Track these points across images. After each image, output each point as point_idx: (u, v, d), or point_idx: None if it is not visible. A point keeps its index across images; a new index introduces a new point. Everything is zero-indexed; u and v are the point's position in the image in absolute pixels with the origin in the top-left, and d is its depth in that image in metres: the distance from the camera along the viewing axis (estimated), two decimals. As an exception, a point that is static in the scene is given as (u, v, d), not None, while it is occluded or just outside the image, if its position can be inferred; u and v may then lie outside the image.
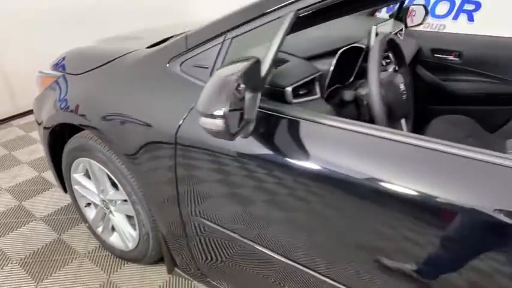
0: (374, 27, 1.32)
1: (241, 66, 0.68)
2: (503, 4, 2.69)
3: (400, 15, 2.09)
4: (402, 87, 1.11)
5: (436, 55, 1.99)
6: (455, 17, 2.97)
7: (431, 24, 3.04)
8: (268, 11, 0.84)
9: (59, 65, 1.49)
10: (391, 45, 1.25)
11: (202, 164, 0.95)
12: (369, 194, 0.71)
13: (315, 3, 0.78)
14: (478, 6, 2.87)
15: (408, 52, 1.73)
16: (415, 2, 2.27)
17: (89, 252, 1.60)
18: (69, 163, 1.48)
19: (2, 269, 1.52)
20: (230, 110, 0.64)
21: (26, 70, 2.58)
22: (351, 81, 1.32)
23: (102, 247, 1.62)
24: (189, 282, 1.48)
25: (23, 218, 1.82)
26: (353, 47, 1.23)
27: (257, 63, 0.74)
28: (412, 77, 1.76)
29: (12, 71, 2.85)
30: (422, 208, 0.66)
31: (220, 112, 0.63)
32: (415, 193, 0.66)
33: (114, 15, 3.29)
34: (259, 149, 0.83)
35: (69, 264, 1.54)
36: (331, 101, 1.15)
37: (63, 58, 1.50)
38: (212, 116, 0.64)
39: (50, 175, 2.11)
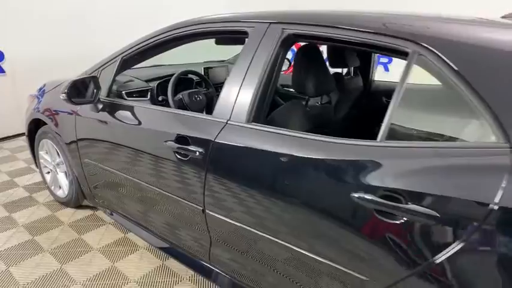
0: (202, 68, 2.40)
1: (80, 78, 1.74)
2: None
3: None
4: (200, 97, 2.12)
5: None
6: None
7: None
8: (113, 56, 1.91)
9: (41, 90, 2.61)
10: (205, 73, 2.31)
11: (87, 126, 1.97)
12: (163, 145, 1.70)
13: (130, 53, 1.84)
14: (390, 60, 3.90)
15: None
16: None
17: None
18: (37, 144, 2.54)
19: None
20: (69, 95, 1.69)
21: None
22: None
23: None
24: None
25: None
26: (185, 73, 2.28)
27: (94, 77, 1.79)
28: None
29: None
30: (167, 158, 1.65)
31: (64, 95, 1.68)
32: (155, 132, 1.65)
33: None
34: (108, 116, 1.83)
35: None
36: (158, 102, 2.15)
37: (44, 85, 2.62)
38: (62, 94, 1.69)
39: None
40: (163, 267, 1.95)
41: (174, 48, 1.90)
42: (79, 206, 2.50)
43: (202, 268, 1.66)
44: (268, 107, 1.38)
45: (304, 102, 1.67)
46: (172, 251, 1.80)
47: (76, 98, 1.78)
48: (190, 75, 2.32)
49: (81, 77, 1.82)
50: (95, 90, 1.84)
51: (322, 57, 1.59)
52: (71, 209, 2.52)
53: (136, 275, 1.90)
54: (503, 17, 1.35)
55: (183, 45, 1.85)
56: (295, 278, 1.29)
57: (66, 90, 1.73)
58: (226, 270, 1.57)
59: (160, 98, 2.11)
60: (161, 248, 1.86)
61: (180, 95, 2.07)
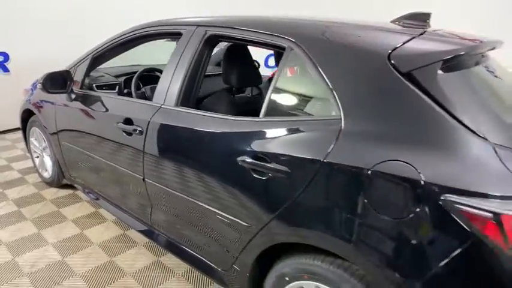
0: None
1: (54, 71, 2.09)
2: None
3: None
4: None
5: None
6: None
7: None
8: (86, 54, 2.25)
9: (34, 84, 2.99)
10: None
11: (63, 113, 2.32)
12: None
13: (98, 52, 2.18)
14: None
15: None
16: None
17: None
18: (28, 131, 2.91)
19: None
20: (44, 85, 2.04)
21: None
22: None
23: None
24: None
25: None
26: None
27: (68, 71, 2.14)
28: None
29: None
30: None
31: (40, 85, 2.03)
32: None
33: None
34: (80, 104, 2.17)
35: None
36: (123, 95, 2.48)
37: (37, 80, 2.99)
38: (38, 84, 2.04)
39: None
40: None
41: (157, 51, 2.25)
42: (62, 186, 2.85)
43: (149, 232, 1.97)
44: (196, 94, 1.69)
45: (231, 93, 1.97)
46: (129, 221, 2.11)
47: (51, 88, 2.13)
48: (157, 73, 2.65)
49: (56, 70, 2.17)
50: (68, 82, 2.19)
51: (247, 55, 1.90)
52: (55, 188, 2.88)
53: (99, 240, 2.22)
54: (392, 21, 1.63)
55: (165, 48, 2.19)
56: (205, 229, 1.59)
57: (41, 81, 2.08)
58: (163, 231, 1.87)
59: (125, 91, 2.45)
60: (121, 219, 2.18)
61: (143, 89, 2.40)
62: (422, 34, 1.25)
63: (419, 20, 1.48)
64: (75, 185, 2.59)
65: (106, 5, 4.86)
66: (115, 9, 4.92)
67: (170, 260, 2.06)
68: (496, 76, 1.39)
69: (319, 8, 4.66)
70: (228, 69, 1.83)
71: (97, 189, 2.32)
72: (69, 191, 2.84)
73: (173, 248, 1.85)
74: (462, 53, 1.14)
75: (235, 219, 1.41)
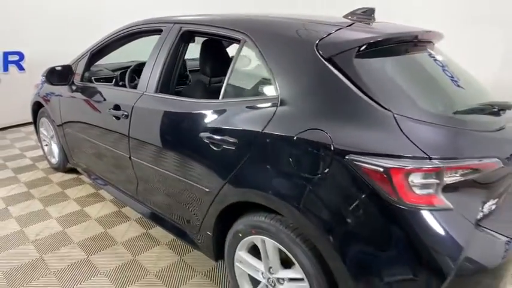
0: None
1: (56, 66, 2.38)
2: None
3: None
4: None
5: None
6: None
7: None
8: (86, 51, 2.54)
9: (43, 79, 3.31)
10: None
11: (67, 103, 2.61)
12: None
13: (95, 49, 2.47)
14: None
15: None
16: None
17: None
18: (38, 121, 3.23)
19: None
20: (47, 78, 2.33)
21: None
22: None
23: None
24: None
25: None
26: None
27: (69, 66, 2.43)
28: None
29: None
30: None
31: (43, 78, 2.32)
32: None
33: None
34: (80, 95, 2.46)
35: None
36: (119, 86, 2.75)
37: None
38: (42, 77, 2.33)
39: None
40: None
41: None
42: (68, 171, 3.16)
43: (138, 206, 2.23)
44: (173, 82, 1.94)
45: (207, 81, 2.21)
46: (123, 198, 2.38)
47: (54, 81, 2.43)
48: None
49: (58, 65, 2.46)
50: (69, 76, 2.48)
51: (221, 48, 2.14)
52: (62, 173, 3.19)
53: (96, 215, 2.51)
54: (344, 16, 1.84)
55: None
56: (179, 198, 1.84)
57: (45, 74, 2.37)
58: (148, 204, 2.13)
59: (120, 83, 2.72)
60: (118, 198, 2.45)
61: (136, 81, 2.67)
62: (349, 26, 1.46)
63: (366, 14, 1.70)
64: (78, 169, 2.89)
65: (117, 5, 5.16)
66: (125, 9, 5.21)
67: (156, 231, 2.32)
68: (426, 64, 1.59)
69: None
70: (203, 61, 2.07)
71: (95, 170, 2.61)
72: (74, 176, 3.14)
73: (157, 219, 2.10)
74: (372, 41, 1.34)
75: (199, 186, 1.65)
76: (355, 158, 1.14)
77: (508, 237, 1.24)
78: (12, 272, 1.94)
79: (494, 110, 1.44)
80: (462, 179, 1.16)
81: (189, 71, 3.06)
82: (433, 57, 1.63)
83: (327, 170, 1.21)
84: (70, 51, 4.86)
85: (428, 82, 1.47)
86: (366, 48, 1.32)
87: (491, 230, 1.22)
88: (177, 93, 1.99)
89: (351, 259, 1.18)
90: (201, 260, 2.05)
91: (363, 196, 1.15)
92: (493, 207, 1.30)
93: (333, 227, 1.21)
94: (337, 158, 1.18)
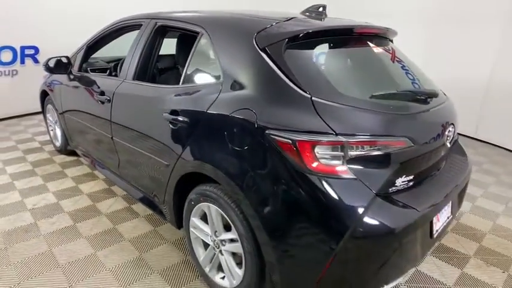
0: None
1: (57, 58, 2.68)
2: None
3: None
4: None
5: None
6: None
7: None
8: (83, 44, 2.83)
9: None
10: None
11: (66, 91, 2.92)
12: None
13: (91, 42, 2.75)
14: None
15: None
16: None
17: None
18: (45, 108, 3.57)
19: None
20: (46, 67, 2.64)
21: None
22: None
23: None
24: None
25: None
26: None
27: (67, 57, 2.73)
28: None
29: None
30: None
31: (43, 67, 2.64)
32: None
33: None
34: (77, 83, 2.76)
35: None
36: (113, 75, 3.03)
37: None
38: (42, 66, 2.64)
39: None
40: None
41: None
42: (69, 154, 3.48)
43: (122, 183, 2.49)
44: (150, 70, 2.19)
45: (180, 70, 2.44)
46: (111, 176, 2.65)
47: (54, 70, 2.73)
48: None
49: (57, 56, 2.76)
50: (67, 66, 2.78)
51: (192, 42, 2.36)
52: (64, 155, 3.51)
53: (88, 191, 2.80)
54: (301, 12, 2.03)
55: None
56: (148, 172, 2.10)
57: (45, 64, 2.68)
58: (128, 179, 2.39)
59: (113, 74, 3.00)
60: (107, 176, 2.73)
61: None
62: (288, 20, 1.66)
63: (318, 11, 1.90)
64: (77, 151, 3.20)
65: (126, 1, 5.47)
66: (135, 4, 5.51)
67: (137, 206, 2.58)
68: (361, 56, 1.77)
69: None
70: (176, 53, 2.31)
71: (89, 151, 2.90)
72: (75, 158, 3.46)
73: (137, 195, 2.36)
74: (301, 34, 1.53)
75: (161, 160, 1.89)
76: (272, 133, 1.35)
77: (414, 208, 1.40)
78: (10, 233, 2.25)
79: (419, 97, 1.61)
80: (368, 153, 1.34)
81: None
82: (374, 51, 1.81)
83: (251, 142, 1.42)
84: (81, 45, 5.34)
85: (354, 72, 1.65)
86: (296, 39, 1.52)
87: (397, 201, 1.38)
88: (154, 81, 2.24)
89: (266, 217, 1.38)
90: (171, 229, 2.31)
91: (278, 165, 1.36)
92: (411, 183, 1.47)
93: (252, 191, 1.42)
94: (260, 133, 1.39)
